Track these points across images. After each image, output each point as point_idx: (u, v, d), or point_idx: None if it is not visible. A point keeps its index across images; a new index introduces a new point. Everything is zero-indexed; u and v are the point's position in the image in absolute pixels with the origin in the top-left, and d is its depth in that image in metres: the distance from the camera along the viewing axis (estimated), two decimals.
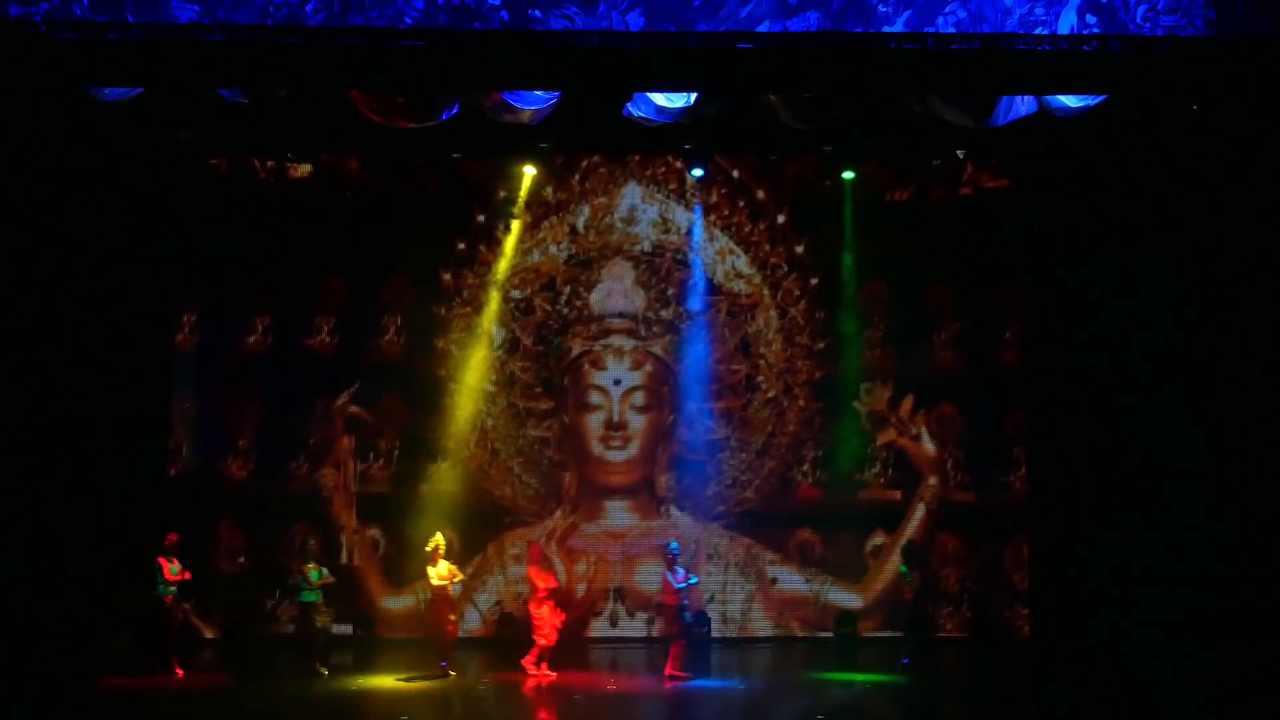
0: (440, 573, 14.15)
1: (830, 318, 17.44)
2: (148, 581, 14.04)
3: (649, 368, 17.52)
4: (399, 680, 13.96)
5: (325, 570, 14.61)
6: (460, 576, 14.58)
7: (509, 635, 16.09)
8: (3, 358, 12.49)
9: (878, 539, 17.29)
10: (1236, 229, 12.72)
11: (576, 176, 17.62)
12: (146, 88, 12.28)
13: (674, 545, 14.46)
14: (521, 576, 16.40)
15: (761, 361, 17.55)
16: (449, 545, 15.46)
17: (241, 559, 16.91)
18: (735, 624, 17.26)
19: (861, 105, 13.25)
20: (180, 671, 14.00)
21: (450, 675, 14.09)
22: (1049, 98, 12.40)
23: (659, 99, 12.61)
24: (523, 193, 17.24)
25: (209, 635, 16.62)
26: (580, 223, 17.62)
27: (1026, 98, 12.55)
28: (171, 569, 14.00)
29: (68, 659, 13.75)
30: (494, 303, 17.32)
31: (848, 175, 17.09)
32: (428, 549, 14.32)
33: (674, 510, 17.37)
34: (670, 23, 10.77)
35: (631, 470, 17.47)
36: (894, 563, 17.26)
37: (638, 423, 17.48)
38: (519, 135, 14.16)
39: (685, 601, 14.20)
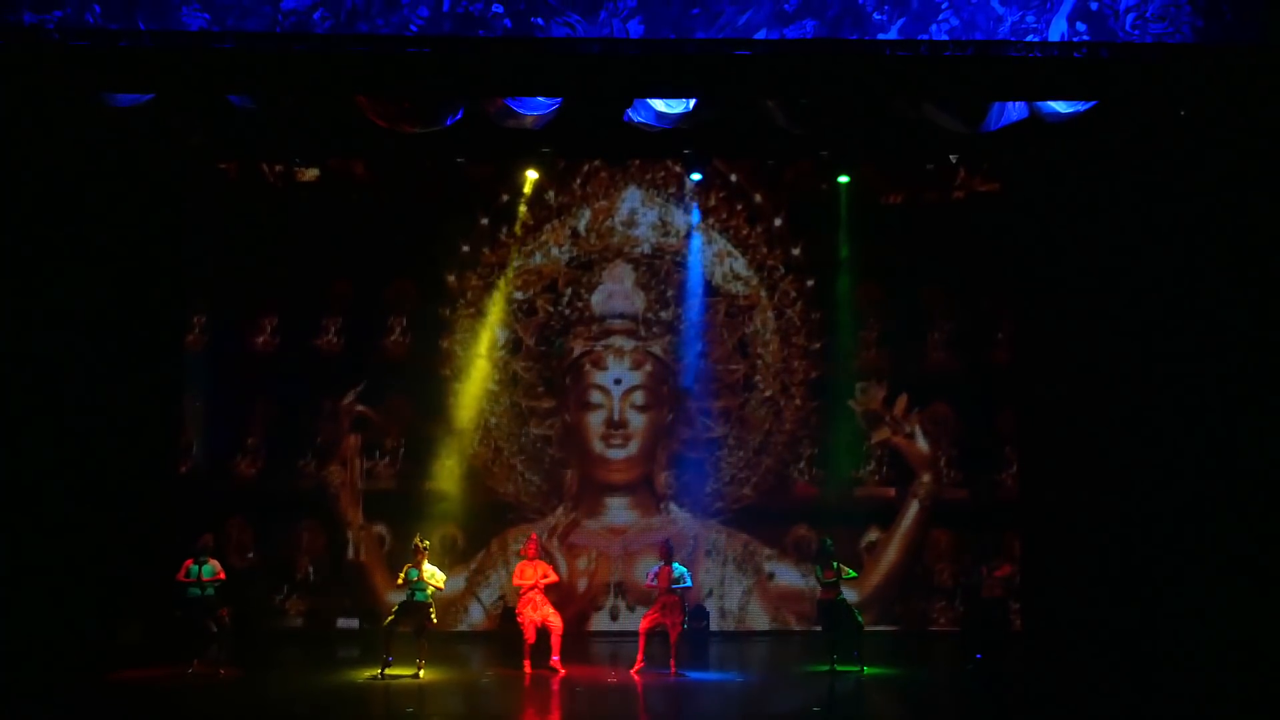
0: (526, 572, 14.06)
1: (826, 319, 17.45)
2: (162, 576, 13.95)
3: (649, 367, 17.52)
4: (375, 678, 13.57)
5: (422, 570, 13.62)
6: (554, 577, 14.34)
7: (512, 630, 16.07)
8: (18, 358, 12.50)
9: (872, 535, 17.30)
10: (1223, 231, 12.71)
11: (578, 180, 17.62)
12: (157, 94, 12.28)
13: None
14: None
15: (759, 361, 17.55)
16: (453, 543, 15.57)
17: (250, 554, 16.92)
18: (733, 618, 17.25)
19: (856, 111, 13.26)
20: (199, 667, 13.71)
21: (560, 671, 13.90)
22: (1040, 103, 12.40)
23: (658, 105, 12.62)
24: (524, 196, 17.25)
25: (214, 629, 16.57)
26: (581, 225, 17.62)
27: (1018, 103, 12.55)
28: (191, 570, 13.66)
29: (80, 651, 13.73)
30: (497, 304, 17.32)
31: (843, 179, 17.09)
32: (520, 549, 14.36)
33: (673, 507, 17.37)
34: (670, 30, 10.77)
35: (632, 468, 17.47)
36: (889, 558, 17.30)
37: (638, 421, 17.48)
38: (522, 140, 14.16)
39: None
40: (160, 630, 14.88)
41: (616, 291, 17.58)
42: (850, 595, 16.60)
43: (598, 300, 17.57)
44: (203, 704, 12.68)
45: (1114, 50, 10.95)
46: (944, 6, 10.83)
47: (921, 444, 17.44)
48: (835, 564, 14.30)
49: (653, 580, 14.03)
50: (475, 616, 17.15)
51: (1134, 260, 14.61)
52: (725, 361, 17.50)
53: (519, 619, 14.18)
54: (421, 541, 13.79)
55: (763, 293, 17.59)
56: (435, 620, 13.84)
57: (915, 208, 17.40)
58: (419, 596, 13.61)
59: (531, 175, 17.07)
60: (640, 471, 17.48)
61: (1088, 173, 15.18)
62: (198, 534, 14.22)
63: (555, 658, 14.06)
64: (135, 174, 15.07)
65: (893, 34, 10.82)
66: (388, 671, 13.56)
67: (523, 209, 17.32)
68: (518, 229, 17.38)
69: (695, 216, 17.50)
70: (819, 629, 14.65)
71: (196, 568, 13.70)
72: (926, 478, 17.38)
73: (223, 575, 13.88)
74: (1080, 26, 10.87)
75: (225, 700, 12.85)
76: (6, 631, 12.32)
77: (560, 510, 17.39)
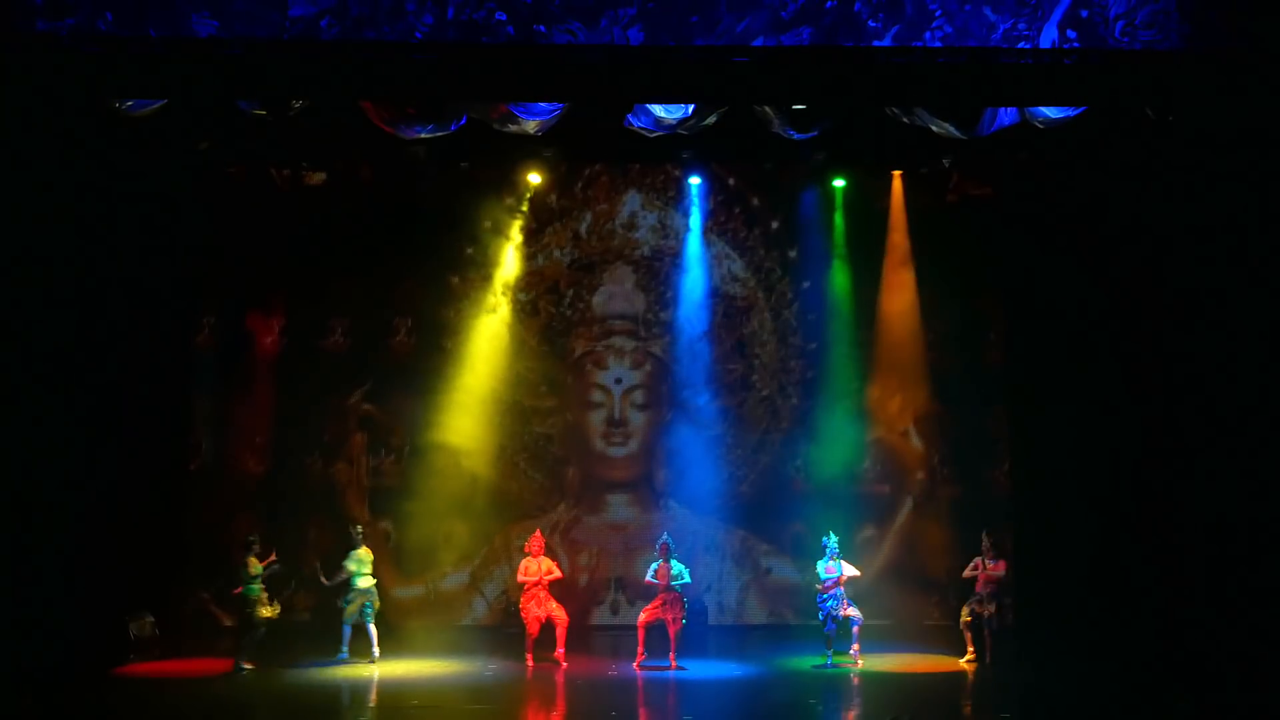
0: (530, 569, 14.22)
1: (821, 319, 17.41)
2: (177, 572, 14.04)
3: (649, 367, 17.52)
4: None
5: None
6: (557, 574, 14.48)
7: (515, 624, 16.07)
8: (31, 359, 12.50)
9: (868, 531, 17.27)
10: (1210, 233, 12.71)
11: (579, 184, 17.62)
12: (167, 99, 12.27)
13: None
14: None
15: (756, 361, 17.54)
16: (457, 539, 15.58)
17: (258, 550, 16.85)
18: (731, 612, 17.25)
19: (852, 116, 13.24)
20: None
21: (562, 664, 14.08)
22: (1031, 109, 12.38)
23: (658, 110, 12.60)
24: (527, 200, 17.25)
25: (227, 623, 16.58)
26: (583, 228, 17.62)
27: (1010, 109, 12.54)
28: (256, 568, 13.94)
29: (91, 646, 13.73)
30: (500, 305, 17.31)
31: (838, 183, 17.10)
32: (525, 546, 14.54)
33: (672, 503, 17.36)
34: (669, 37, 10.77)
35: (632, 465, 17.47)
36: (884, 554, 17.28)
37: (638, 420, 17.48)
38: (524, 145, 14.15)
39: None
40: (171, 625, 14.89)
41: (617, 293, 17.58)
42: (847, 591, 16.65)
43: (599, 301, 17.57)
44: (210, 697, 12.69)
45: (1103, 57, 10.95)
46: (937, 14, 10.82)
47: (915, 442, 17.44)
48: (838, 560, 14.30)
49: (653, 577, 14.05)
50: (479, 611, 17.14)
51: (1123, 262, 14.61)
52: (724, 361, 17.49)
53: (523, 614, 14.24)
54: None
55: (760, 294, 17.58)
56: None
57: (909, 210, 17.33)
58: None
59: (534, 179, 17.08)
60: (640, 469, 17.48)
61: (1078, 176, 15.16)
62: (209, 529, 14.19)
63: (560, 650, 14.11)
64: (146, 178, 15.04)
65: (887, 41, 10.81)
66: (374, 665, 13.83)
67: (525, 212, 17.31)
68: (521, 232, 17.36)
69: (694, 219, 17.49)
70: (817, 623, 14.60)
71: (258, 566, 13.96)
72: (920, 475, 17.38)
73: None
74: (1071, 34, 10.87)
75: (232, 693, 12.86)
76: (17, 626, 12.31)
77: (562, 507, 17.38)
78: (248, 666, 13.67)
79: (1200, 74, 11.20)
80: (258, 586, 13.88)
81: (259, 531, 14.66)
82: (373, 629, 14.22)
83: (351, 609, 14.23)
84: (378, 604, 14.37)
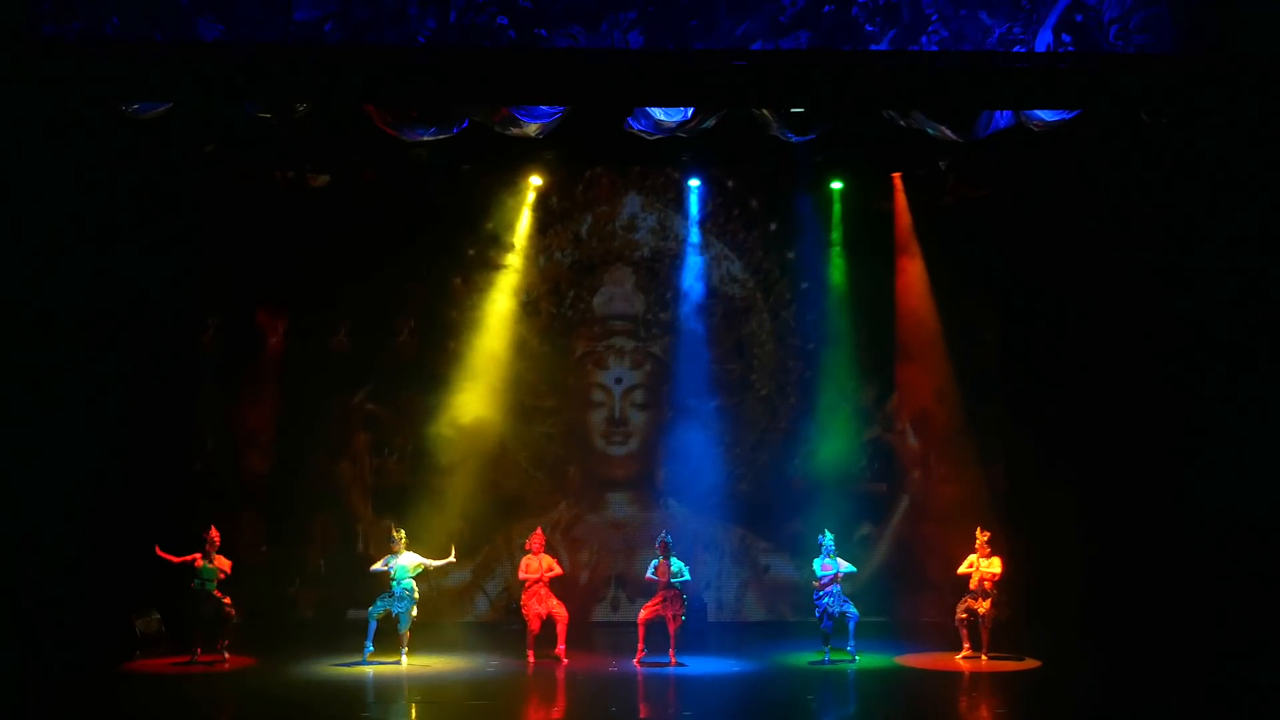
0: (531, 566, 14.16)
1: (819, 320, 17.41)
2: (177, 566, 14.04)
3: (648, 367, 17.52)
4: None
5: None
6: (558, 571, 14.40)
7: (517, 621, 16.06)
8: (40, 359, 12.51)
9: (865, 529, 17.27)
10: (1204, 234, 12.73)
11: (580, 186, 17.61)
12: (173, 102, 12.28)
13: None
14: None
15: (755, 361, 17.55)
16: (460, 537, 15.59)
17: (263, 548, 16.89)
18: (730, 609, 17.25)
19: (849, 119, 13.25)
20: (201, 656, 13.79)
21: (563, 661, 14.02)
22: (1027, 111, 12.40)
23: (658, 113, 12.61)
24: (528, 202, 17.25)
25: (234, 619, 16.57)
26: (584, 230, 17.62)
27: (1005, 112, 12.55)
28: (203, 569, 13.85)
29: (97, 643, 13.74)
30: (502, 306, 17.30)
31: (836, 185, 17.10)
32: (526, 543, 14.45)
33: (672, 502, 17.36)
34: (669, 41, 10.78)
35: (632, 464, 17.47)
36: (881, 552, 17.29)
37: (638, 419, 17.49)
38: (526, 147, 14.15)
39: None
40: (177, 621, 14.88)
41: (617, 294, 17.58)
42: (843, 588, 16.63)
43: (599, 302, 17.57)
44: (214, 694, 12.70)
45: (1098, 61, 10.97)
46: (934, 18, 10.84)
47: (912, 441, 17.45)
48: (834, 558, 14.29)
49: (653, 574, 14.04)
50: (481, 608, 17.16)
51: (1118, 263, 14.63)
52: (723, 361, 17.49)
53: (524, 610, 14.22)
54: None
55: (759, 295, 17.58)
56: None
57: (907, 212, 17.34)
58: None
59: (535, 181, 17.09)
60: (640, 468, 17.48)
61: (1074, 179, 15.17)
62: (215, 527, 14.19)
63: (561, 647, 14.11)
64: (151, 180, 15.05)
65: (884, 45, 10.83)
66: (371, 659, 13.73)
67: (526, 214, 17.31)
68: (522, 233, 17.36)
69: (693, 221, 17.49)
70: (814, 620, 14.60)
71: (204, 563, 13.86)
72: (917, 474, 17.38)
73: (225, 571, 14.00)
74: (1066, 38, 10.89)
75: (237, 689, 12.87)
76: (24, 623, 12.32)
77: (563, 505, 17.39)
78: (222, 658, 13.71)
79: (1193, 77, 11.21)
80: (211, 584, 13.83)
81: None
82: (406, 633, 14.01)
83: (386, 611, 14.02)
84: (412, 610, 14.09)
